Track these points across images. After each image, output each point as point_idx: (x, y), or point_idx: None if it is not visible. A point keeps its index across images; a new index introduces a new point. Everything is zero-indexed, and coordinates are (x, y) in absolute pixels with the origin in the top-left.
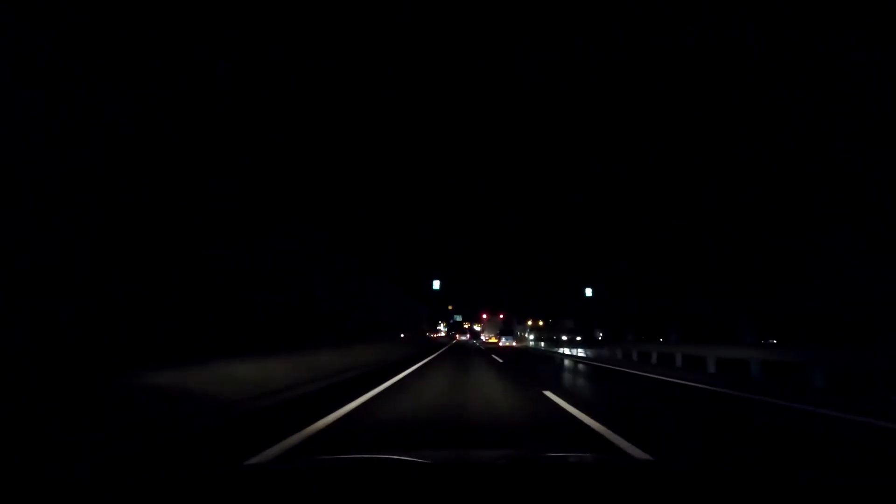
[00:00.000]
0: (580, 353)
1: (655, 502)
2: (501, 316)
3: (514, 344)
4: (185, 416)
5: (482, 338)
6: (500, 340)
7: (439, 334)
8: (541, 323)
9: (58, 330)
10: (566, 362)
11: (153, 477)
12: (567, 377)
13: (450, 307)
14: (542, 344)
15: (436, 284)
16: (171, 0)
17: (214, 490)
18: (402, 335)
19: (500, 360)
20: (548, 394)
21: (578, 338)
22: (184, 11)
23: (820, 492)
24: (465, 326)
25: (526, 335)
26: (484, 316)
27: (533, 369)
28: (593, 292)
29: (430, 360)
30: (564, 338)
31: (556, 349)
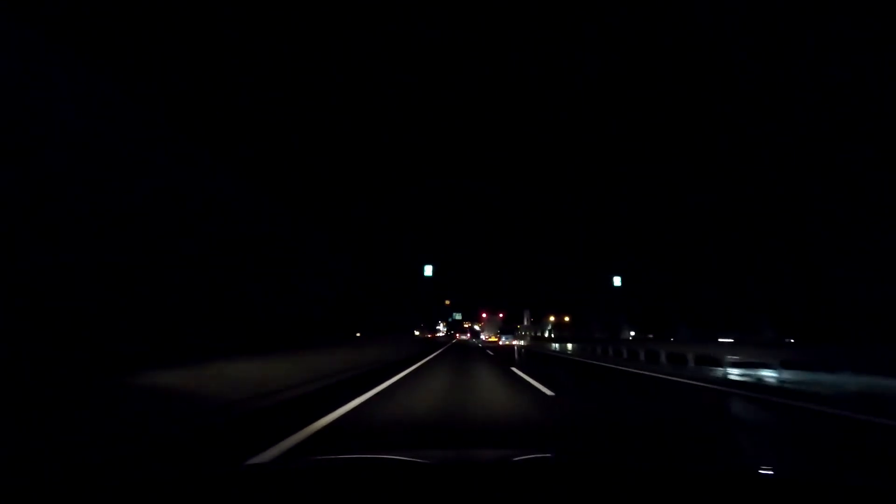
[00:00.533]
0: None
1: (656, 502)
2: (501, 315)
3: (513, 342)
4: (185, 416)
5: (482, 337)
6: (499, 339)
7: (438, 334)
8: (566, 318)
9: (58, 330)
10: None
11: (153, 477)
12: None
13: (447, 302)
14: (571, 347)
15: (427, 270)
16: (174, 1)
17: (215, 490)
18: (389, 336)
19: (550, 394)
20: None
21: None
22: (185, 13)
23: (820, 492)
24: (466, 326)
25: (545, 334)
26: (483, 315)
27: None
28: (613, 285)
29: (418, 368)
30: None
31: (617, 355)
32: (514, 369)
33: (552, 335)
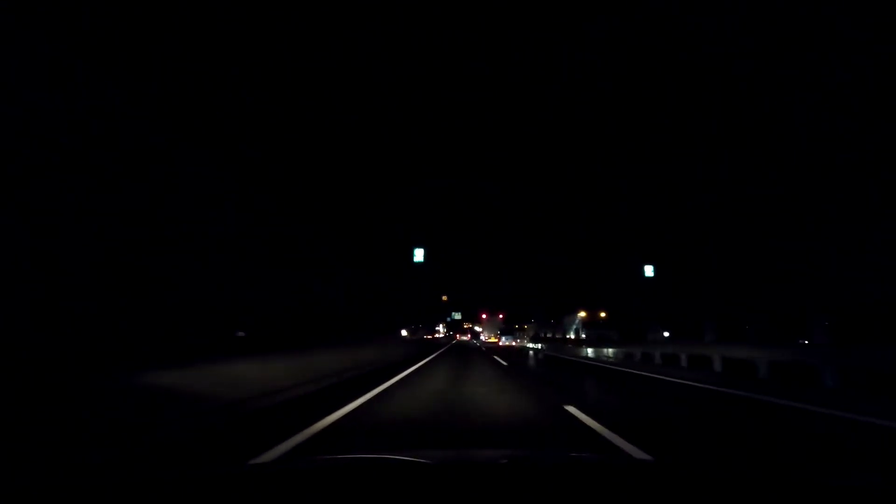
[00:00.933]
0: None
1: (655, 502)
2: (501, 316)
3: (513, 343)
4: (186, 416)
5: (482, 338)
6: (499, 340)
7: (437, 335)
8: (603, 314)
9: (57, 330)
10: None
11: (154, 477)
12: None
13: (444, 298)
14: (612, 352)
15: (418, 255)
16: (171, 2)
17: (217, 490)
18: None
19: None
20: None
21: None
22: (186, 14)
23: (819, 493)
24: (466, 327)
25: (570, 335)
26: (483, 316)
27: None
28: (644, 275)
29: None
30: None
31: None
32: (582, 416)
33: (583, 335)
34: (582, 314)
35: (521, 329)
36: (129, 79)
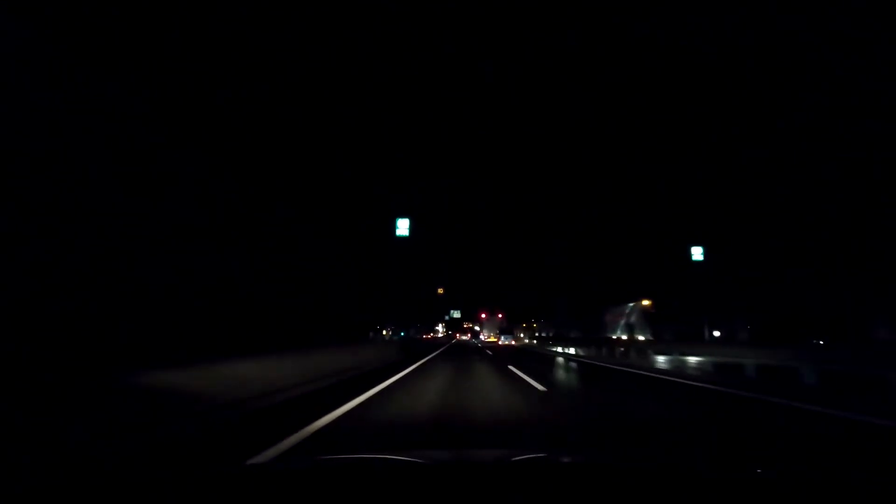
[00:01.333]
0: None
1: (654, 503)
2: (500, 315)
3: (512, 343)
4: (186, 416)
5: (481, 337)
6: (499, 339)
7: (437, 334)
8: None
9: (59, 331)
10: None
11: (153, 477)
12: None
13: (440, 290)
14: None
15: (402, 227)
16: (168, 3)
17: (215, 490)
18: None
19: None
20: None
21: None
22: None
23: (818, 492)
24: (466, 326)
25: (622, 333)
26: (483, 315)
27: None
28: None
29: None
30: None
31: None
32: None
33: (643, 337)
34: (645, 302)
35: (530, 328)
36: (127, 76)
